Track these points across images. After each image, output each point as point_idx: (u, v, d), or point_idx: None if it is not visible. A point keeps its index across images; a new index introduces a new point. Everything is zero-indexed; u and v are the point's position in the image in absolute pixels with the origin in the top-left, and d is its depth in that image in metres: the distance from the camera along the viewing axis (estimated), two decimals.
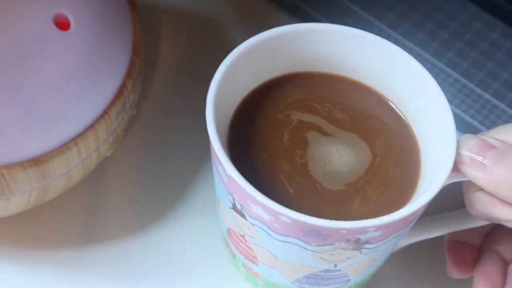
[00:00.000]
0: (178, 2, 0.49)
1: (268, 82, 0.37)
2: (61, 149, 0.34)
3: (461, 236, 0.38)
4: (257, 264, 0.36)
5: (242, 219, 0.33)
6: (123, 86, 0.36)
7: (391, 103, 0.37)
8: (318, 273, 0.34)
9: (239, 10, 0.50)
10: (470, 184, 0.32)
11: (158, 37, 0.47)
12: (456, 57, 0.49)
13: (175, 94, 0.45)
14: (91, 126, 0.35)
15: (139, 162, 0.42)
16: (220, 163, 0.31)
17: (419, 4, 0.51)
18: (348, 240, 0.31)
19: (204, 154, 0.42)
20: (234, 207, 0.33)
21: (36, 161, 0.33)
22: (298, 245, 0.32)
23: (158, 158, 0.42)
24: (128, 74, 0.37)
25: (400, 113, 0.37)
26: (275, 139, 0.35)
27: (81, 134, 0.35)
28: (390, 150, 0.35)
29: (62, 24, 0.34)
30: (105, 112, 0.35)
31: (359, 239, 0.31)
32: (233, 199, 0.32)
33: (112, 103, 0.36)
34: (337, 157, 0.35)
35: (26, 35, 0.32)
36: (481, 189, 0.31)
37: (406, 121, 0.36)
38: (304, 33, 0.36)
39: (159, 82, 0.45)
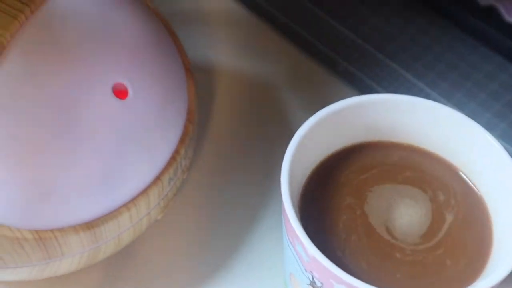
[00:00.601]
0: (233, 65, 0.50)
1: (336, 153, 0.37)
2: (113, 213, 0.35)
3: None
4: None
5: None
6: (176, 152, 0.37)
7: (459, 171, 0.37)
8: None
9: (293, 74, 0.50)
10: None
11: (211, 98, 0.48)
12: (509, 128, 0.48)
13: (226, 156, 0.45)
14: (144, 192, 0.36)
15: (189, 225, 0.42)
16: (300, 243, 0.32)
17: (471, 72, 0.51)
18: None
19: (253, 217, 0.42)
20: (312, 284, 0.33)
21: (89, 225, 0.34)
22: None
23: (208, 220, 0.43)
24: (182, 141, 0.37)
25: (467, 179, 0.37)
26: (346, 209, 0.35)
27: (133, 200, 0.35)
28: (459, 213, 0.36)
29: (120, 93, 0.35)
30: (158, 178, 0.36)
31: None
32: (313, 277, 0.32)
33: (165, 169, 0.36)
34: (411, 225, 0.35)
35: (85, 103, 0.33)
36: None
37: (474, 186, 0.37)
38: (372, 103, 0.37)
39: (211, 144, 0.46)
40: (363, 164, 0.37)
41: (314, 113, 0.48)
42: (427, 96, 0.49)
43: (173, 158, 0.37)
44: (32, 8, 0.34)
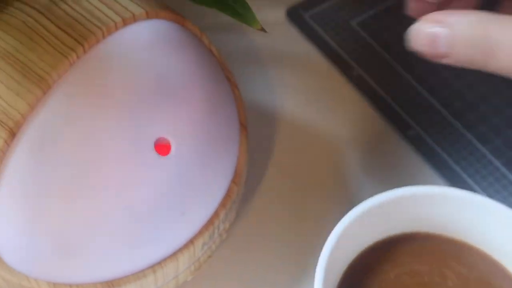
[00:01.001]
0: (296, 114, 0.47)
1: (377, 244, 0.35)
2: (137, 275, 0.33)
3: None
4: None
5: None
6: (215, 215, 0.35)
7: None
8: None
9: (360, 131, 0.47)
10: None
11: (267, 150, 0.45)
12: None
13: (270, 221, 0.42)
14: (173, 255, 0.33)
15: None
16: None
17: None
18: None
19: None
20: None
21: (109, 284, 0.32)
22: None
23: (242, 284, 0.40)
24: (223, 204, 0.35)
25: None
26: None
27: (161, 262, 0.33)
28: None
29: (162, 148, 0.33)
30: (191, 241, 0.34)
31: None
32: None
33: (199, 233, 0.34)
34: None
35: (123, 156, 0.31)
36: None
37: None
38: (421, 196, 0.34)
39: (257, 205, 0.42)
40: (404, 257, 0.34)
41: (376, 178, 0.45)
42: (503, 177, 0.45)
43: (210, 222, 0.34)
44: (85, 47, 0.32)
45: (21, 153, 0.30)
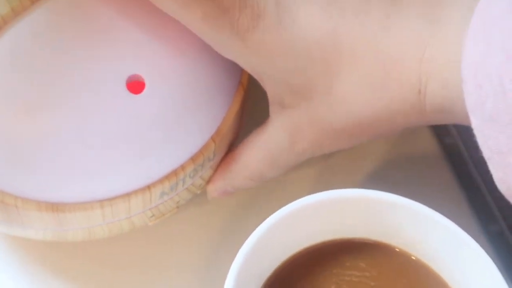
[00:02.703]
0: None
1: (297, 254, 0.34)
2: (84, 205, 0.32)
3: None
4: None
5: None
6: (180, 168, 0.33)
7: (438, 273, 0.33)
8: None
9: None
10: None
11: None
12: None
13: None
14: (125, 195, 0.33)
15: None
16: None
17: None
18: None
19: None
20: None
21: (54, 207, 0.32)
22: None
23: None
24: (194, 158, 0.34)
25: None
26: None
27: (111, 199, 0.32)
28: None
29: (134, 86, 0.32)
30: (147, 187, 0.33)
31: None
32: None
33: (159, 181, 0.33)
34: None
35: (92, 90, 0.31)
36: None
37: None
38: (331, 203, 0.33)
39: None
40: (323, 267, 0.33)
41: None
42: None
43: (173, 173, 0.33)
44: None
45: None
